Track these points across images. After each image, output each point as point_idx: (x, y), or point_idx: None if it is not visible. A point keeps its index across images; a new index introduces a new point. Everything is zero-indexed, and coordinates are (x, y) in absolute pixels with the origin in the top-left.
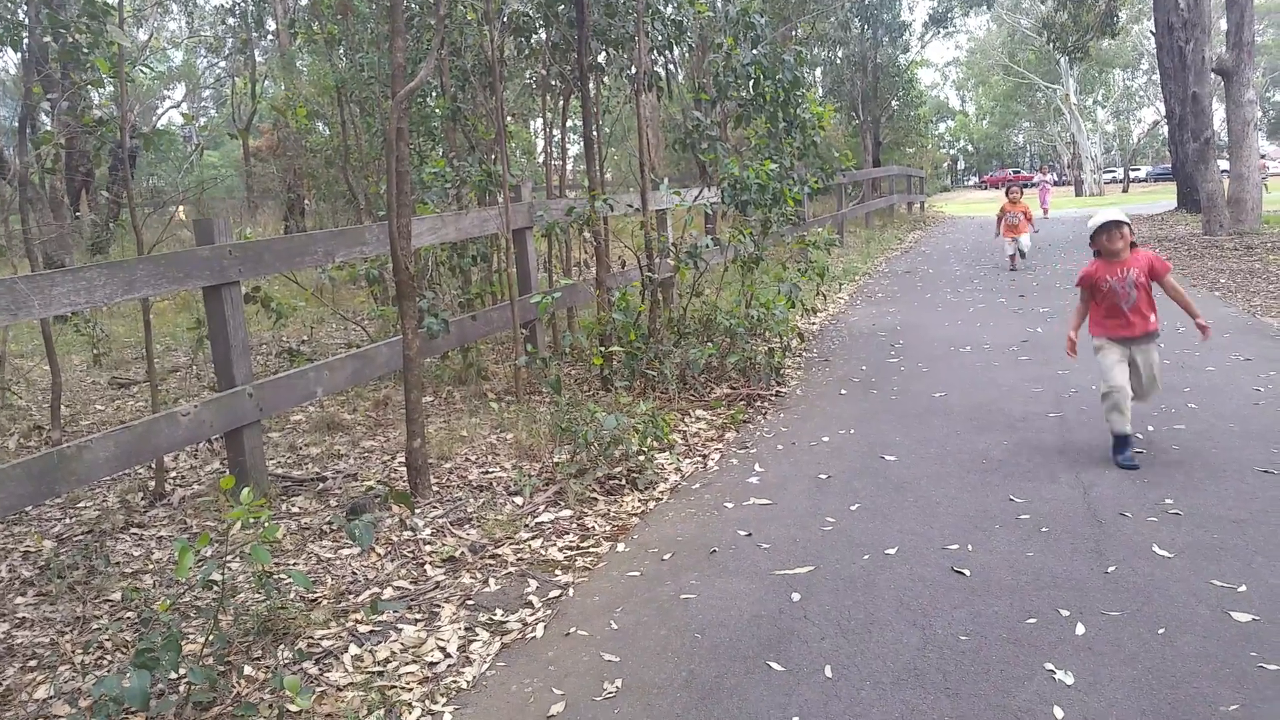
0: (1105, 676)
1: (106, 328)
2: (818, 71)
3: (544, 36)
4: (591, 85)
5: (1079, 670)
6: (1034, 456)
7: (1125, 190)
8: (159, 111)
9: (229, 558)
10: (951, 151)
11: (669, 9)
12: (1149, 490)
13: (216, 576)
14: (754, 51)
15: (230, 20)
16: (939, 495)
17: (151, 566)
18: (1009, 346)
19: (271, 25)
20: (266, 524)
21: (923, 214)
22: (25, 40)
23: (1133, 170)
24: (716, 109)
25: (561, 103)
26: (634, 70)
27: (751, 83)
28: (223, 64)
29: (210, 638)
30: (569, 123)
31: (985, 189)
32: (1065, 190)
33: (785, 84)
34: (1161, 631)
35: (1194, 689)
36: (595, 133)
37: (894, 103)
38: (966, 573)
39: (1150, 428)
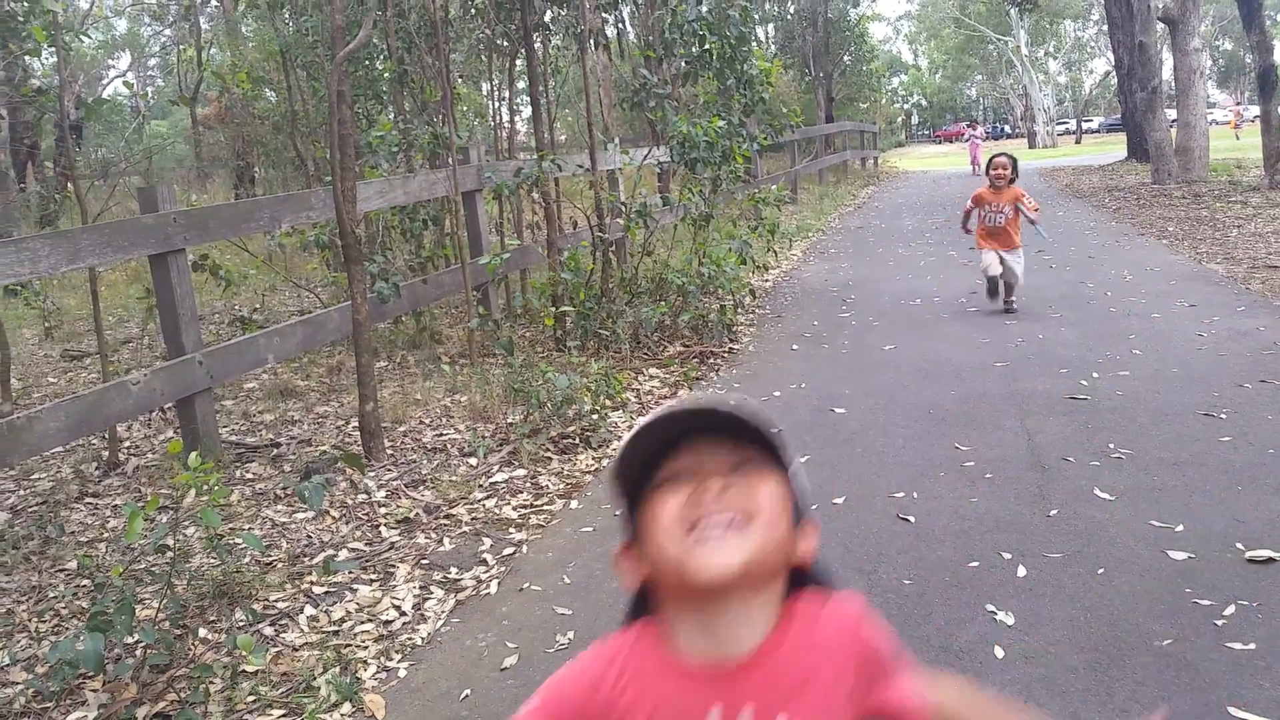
0: (1045, 616)
1: (58, 300)
2: (769, 28)
3: None
4: (539, 44)
5: (1019, 611)
6: (980, 405)
7: (1078, 141)
8: (104, 81)
9: (182, 523)
10: (905, 106)
11: None
12: (1092, 435)
13: (169, 541)
14: (699, 8)
15: None
16: (886, 445)
17: (106, 535)
18: (957, 299)
19: None
20: (216, 487)
21: (876, 169)
22: None
23: (1085, 121)
24: (665, 67)
25: (509, 63)
26: (580, 28)
27: (698, 40)
28: (168, 32)
29: (164, 602)
30: (518, 84)
31: (939, 143)
32: (1019, 142)
33: (732, 40)
34: (1100, 571)
35: (1130, 625)
36: (546, 92)
37: (846, 58)
38: (911, 519)
39: (1095, 375)
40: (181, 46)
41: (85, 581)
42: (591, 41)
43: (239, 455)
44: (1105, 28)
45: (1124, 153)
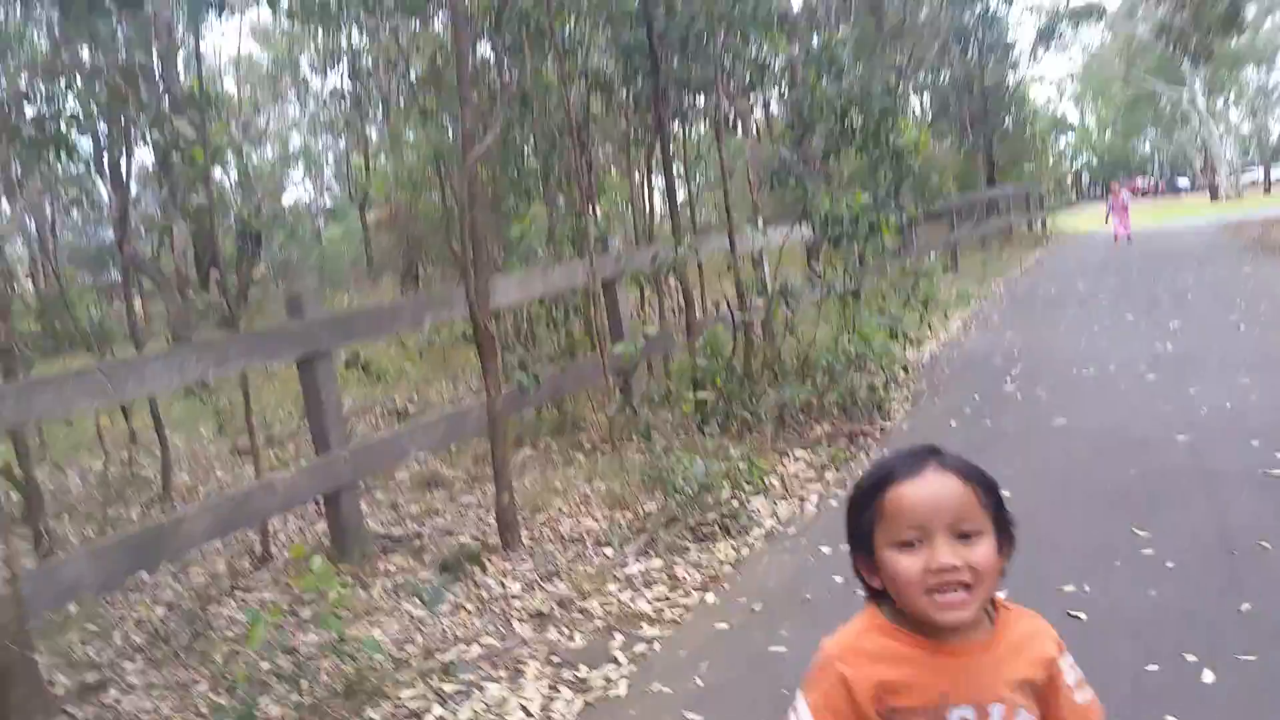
0: None
1: (231, 398)
2: (924, 96)
3: (626, 92)
4: (681, 130)
5: None
6: (1162, 483)
7: (1267, 191)
8: (284, 192)
9: (309, 624)
10: (1075, 165)
11: (751, 49)
12: None
13: (294, 644)
14: (840, 84)
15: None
16: (1055, 530)
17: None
18: (1135, 365)
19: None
20: (341, 590)
21: (1044, 232)
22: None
23: (1276, 169)
24: (808, 144)
25: (646, 153)
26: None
27: (839, 116)
28: (341, 143)
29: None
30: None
31: None
32: (1200, 195)
33: (875, 114)
34: None
35: None
36: (687, 179)
37: (1006, 122)
38: (1082, 616)
39: None
40: (353, 155)
41: (228, 678)
42: (735, 124)
43: (384, 547)
44: None
45: None
